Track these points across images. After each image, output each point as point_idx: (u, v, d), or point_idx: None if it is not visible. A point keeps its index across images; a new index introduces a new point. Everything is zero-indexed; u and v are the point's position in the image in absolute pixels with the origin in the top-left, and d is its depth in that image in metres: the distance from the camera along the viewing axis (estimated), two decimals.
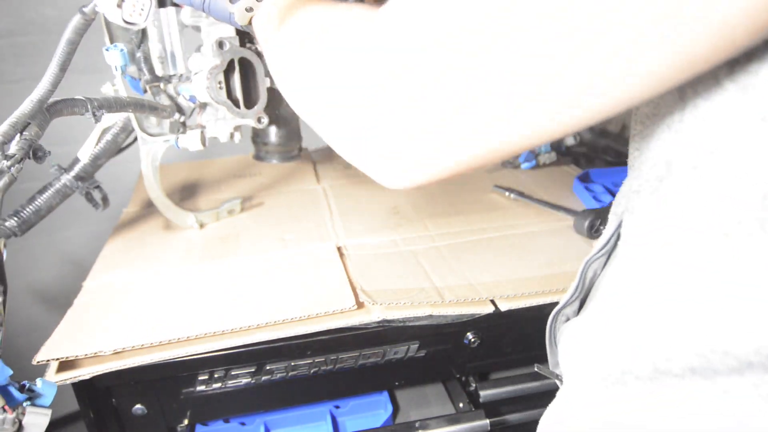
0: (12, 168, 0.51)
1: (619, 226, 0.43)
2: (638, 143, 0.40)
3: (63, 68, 0.58)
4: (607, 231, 0.45)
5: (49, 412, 0.58)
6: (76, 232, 1.59)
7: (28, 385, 0.58)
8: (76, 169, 0.82)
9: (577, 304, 0.49)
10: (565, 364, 0.46)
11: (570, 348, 0.46)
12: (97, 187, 0.85)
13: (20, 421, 0.57)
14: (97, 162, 0.83)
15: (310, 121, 0.44)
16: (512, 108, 0.32)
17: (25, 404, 0.57)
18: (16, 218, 0.78)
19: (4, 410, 0.55)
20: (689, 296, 0.33)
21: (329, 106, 0.40)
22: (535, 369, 0.54)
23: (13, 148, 0.51)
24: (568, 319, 0.50)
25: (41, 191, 0.81)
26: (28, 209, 0.79)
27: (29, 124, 0.53)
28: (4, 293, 0.53)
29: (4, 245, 0.73)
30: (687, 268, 0.33)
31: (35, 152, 0.53)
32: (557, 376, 0.51)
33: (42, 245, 1.57)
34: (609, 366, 0.38)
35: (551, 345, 0.52)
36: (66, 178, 0.82)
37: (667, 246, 0.35)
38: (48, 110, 0.56)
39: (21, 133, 0.52)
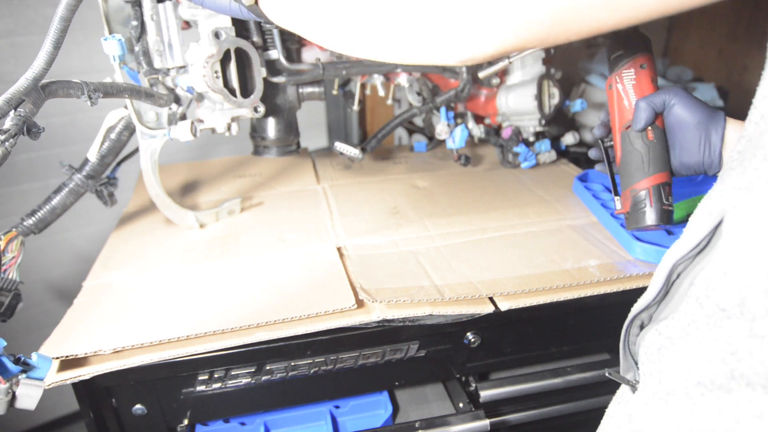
0: (6, 142, 0.51)
1: (718, 224, 0.40)
2: (745, 145, 0.40)
3: (57, 46, 0.58)
4: (700, 230, 0.42)
5: (43, 384, 0.59)
6: (86, 231, 1.59)
7: (23, 358, 0.59)
8: (87, 168, 0.85)
9: (655, 308, 0.47)
10: (646, 373, 0.45)
11: (654, 359, 0.44)
12: (103, 184, 0.87)
13: (14, 392, 0.57)
14: (104, 161, 0.86)
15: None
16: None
17: (19, 376, 0.58)
18: (33, 217, 0.82)
19: None
20: None
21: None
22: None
23: (7, 123, 0.52)
24: (642, 324, 0.48)
25: (56, 191, 0.85)
26: (44, 208, 0.83)
27: (24, 100, 0.54)
28: None
29: (22, 243, 0.75)
30: None
31: (29, 129, 0.53)
32: (628, 382, 0.50)
33: (54, 243, 1.58)
34: (711, 373, 0.37)
35: (625, 351, 0.51)
36: (77, 178, 0.84)
37: None
38: (43, 89, 0.56)
39: (15, 109, 0.53)
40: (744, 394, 0.36)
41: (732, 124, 0.60)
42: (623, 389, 0.52)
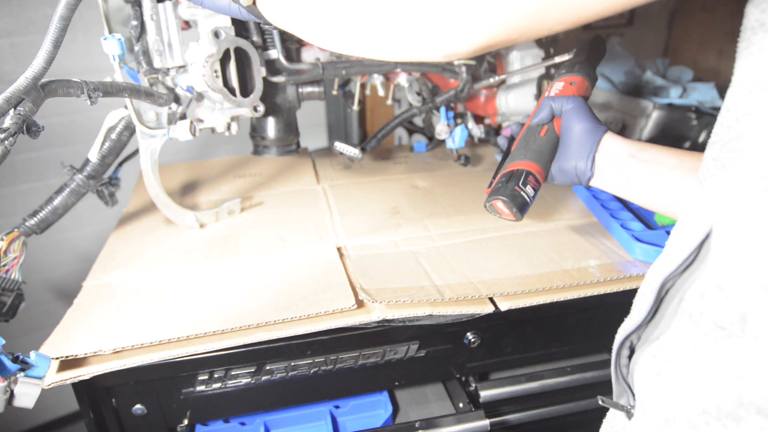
0: (6, 141, 0.51)
1: (707, 235, 0.38)
2: (719, 150, 0.38)
3: (56, 45, 0.58)
4: (687, 244, 0.39)
5: (41, 383, 0.59)
6: (87, 231, 1.60)
7: (21, 357, 0.59)
8: (88, 169, 0.85)
9: (644, 329, 0.45)
10: (643, 398, 0.44)
11: (650, 383, 0.43)
12: (104, 184, 0.87)
13: (12, 391, 0.57)
14: (105, 161, 0.86)
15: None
16: None
17: (18, 375, 0.58)
18: (35, 218, 0.82)
19: None
20: None
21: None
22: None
23: (7, 121, 0.52)
24: (632, 344, 0.46)
25: (58, 192, 0.85)
26: (46, 209, 0.83)
27: (23, 99, 0.53)
28: None
29: (24, 243, 0.76)
30: None
31: (29, 127, 0.53)
32: (623, 408, 0.48)
33: (55, 243, 1.58)
34: (716, 400, 0.36)
35: (617, 375, 0.49)
36: (79, 178, 0.85)
37: None
38: (43, 88, 0.56)
39: (15, 107, 0.53)
40: (756, 422, 0.34)
41: (610, 135, 0.64)
42: (615, 414, 0.50)
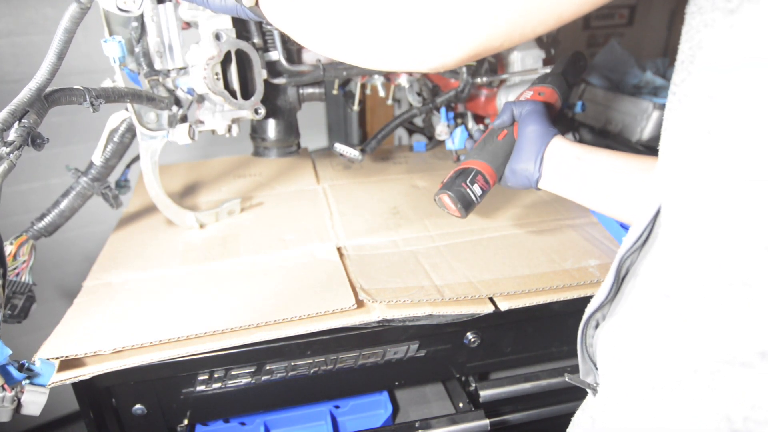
0: (11, 154, 0.51)
1: (657, 213, 0.40)
2: (668, 135, 0.40)
3: (60, 57, 0.58)
4: (641, 221, 0.42)
5: (47, 390, 0.60)
6: (90, 230, 1.60)
7: (27, 365, 0.59)
8: (92, 171, 0.86)
9: (608, 307, 0.47)
10: (605, 372, 0.45)
11: (610, 355, 0.44)
12: (108, 186, 0.88)
13: (19, 399, 0.57)
14: (108, 163, 0.87)
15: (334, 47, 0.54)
16: None
17: (24, 383, 0.58)
18: (43, 221, 0.84)
19: (3, 389, 0.56)
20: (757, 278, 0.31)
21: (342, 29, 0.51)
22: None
23: (12, 135, 0.52)
24: (598, 324, 0.48)
25: (64, 195, 0.86)
26: (53, 212, 0.85)
27: (28, 111, 0.54)
28: (3, 276, 0.53)
29: (33, 246, 0.76)
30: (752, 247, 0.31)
31: (34, 139, 0.53)
32: (589, 386, 0.50)
33: (57, 242, 1.58)
34: (663, 366, 0.37)
35: (583, 353, 0.50)
36: (84, 181, 0.86)
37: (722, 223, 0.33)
38: (46, 99, 0.57)
39: (20, 120, 0.53)
40: (691, 380, 0.35)
41: (559, 138, 0.65)
42: (589, 396, 0.51)
